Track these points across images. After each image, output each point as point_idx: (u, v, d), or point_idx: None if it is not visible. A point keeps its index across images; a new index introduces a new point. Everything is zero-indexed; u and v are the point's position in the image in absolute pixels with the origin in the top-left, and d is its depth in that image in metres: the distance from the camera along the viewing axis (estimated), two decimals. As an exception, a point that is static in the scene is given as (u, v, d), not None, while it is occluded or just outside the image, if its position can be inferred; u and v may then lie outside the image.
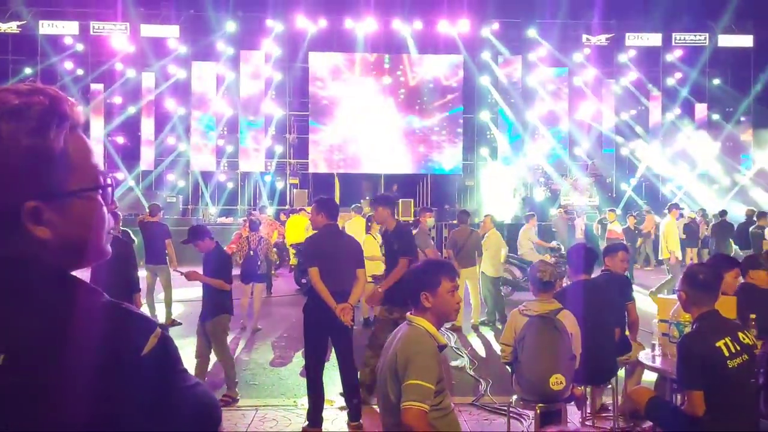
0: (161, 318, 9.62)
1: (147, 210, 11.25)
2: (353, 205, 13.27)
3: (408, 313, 2.89)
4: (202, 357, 5.91)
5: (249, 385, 6.57)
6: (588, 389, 5.02)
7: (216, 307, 5.86)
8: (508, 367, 4.54)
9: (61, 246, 0.98)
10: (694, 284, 3.34)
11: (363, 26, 21.94)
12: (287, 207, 20.70)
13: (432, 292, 2.79)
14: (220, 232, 18.28)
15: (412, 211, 19.76)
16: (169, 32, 22.03)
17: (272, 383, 6.64)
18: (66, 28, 21.76)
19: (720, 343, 3.08)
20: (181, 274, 6.05)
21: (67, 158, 0.99)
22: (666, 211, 13.01)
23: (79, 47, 21.94)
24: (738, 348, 3.10)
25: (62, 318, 0.93)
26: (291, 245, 13.78)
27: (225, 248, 12.11)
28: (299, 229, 13.35)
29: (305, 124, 22.81)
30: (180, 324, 9.52)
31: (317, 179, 22.81)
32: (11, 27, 21.62)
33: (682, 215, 13.56)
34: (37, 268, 0.97)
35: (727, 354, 3.06)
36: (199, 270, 6.03)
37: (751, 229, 13.69)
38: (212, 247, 6.02)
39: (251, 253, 9.55)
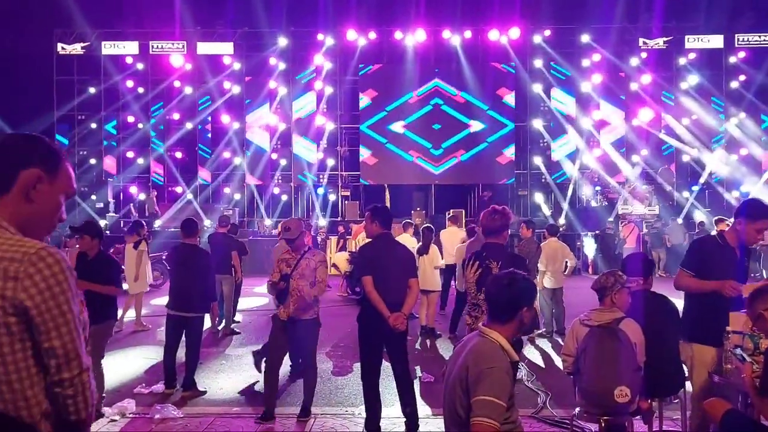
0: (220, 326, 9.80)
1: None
2: (403, 221, 12.62)
3: (481, 324, 2.80)
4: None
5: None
6: (655, 402, 4.81)
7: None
8: (571, 377, 4.40)
9: None
10: None
11: (412, 37, 21.94)
12: (339, 218, 20.83)
13: (530, 307, 2.74)
14: (275, 243, 18.55)
15: (464, 221, 19.50)
16: (224, 49, 22.63)
17: (330, 392, 6.63)
18: (127, 48, 22.62)
19: None
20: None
21: None
22: None
23: (140, 66, 22.74)
24: None
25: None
26: (350, 252, 13.88)
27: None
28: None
29: (356, 136, 22.97)
30: (238, 333, 9.66)
31: (368, 191, 22.92)
32: (76, 48, 22.59)
33: None
34: None
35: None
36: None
37: None
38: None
39: None
